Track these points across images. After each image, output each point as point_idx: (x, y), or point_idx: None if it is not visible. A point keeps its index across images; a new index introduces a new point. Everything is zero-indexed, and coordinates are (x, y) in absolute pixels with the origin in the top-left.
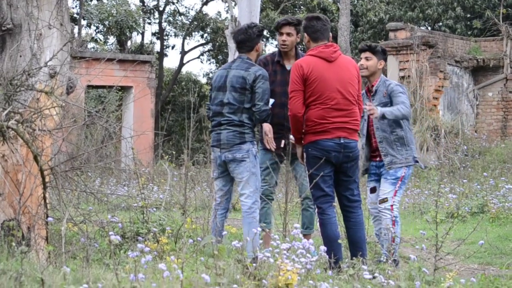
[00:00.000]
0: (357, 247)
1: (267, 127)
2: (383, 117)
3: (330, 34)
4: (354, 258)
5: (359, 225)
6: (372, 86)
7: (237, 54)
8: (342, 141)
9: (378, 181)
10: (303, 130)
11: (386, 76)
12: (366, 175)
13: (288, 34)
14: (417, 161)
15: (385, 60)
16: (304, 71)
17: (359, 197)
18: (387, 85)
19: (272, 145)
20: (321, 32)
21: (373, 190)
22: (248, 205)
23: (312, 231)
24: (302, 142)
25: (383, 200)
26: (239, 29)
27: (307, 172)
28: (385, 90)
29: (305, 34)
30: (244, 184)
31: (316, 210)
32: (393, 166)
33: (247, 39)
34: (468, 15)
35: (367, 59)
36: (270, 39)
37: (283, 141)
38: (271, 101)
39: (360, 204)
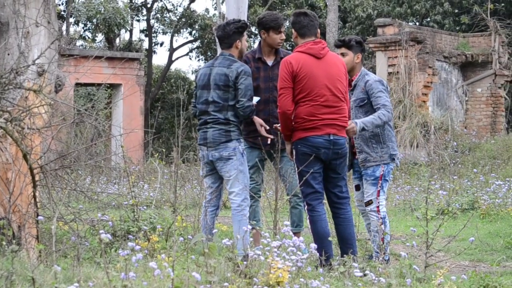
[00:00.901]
0: (347, 243)
1: (259, 120)
2: (363, 129)
3: (318, 31)
4: (344, 255)
5: (349, 221)
6: (352, 80)
7: None
8: (331, 137)
9: (362, 178)
10: (292, 127)
11: (375, 72)
12: (352, 171)
13: (283, 32)
14: (393, 159)
15: (363, 51)
16: (293, 68)
17: (348, 193)
18: (365, 80)
19: (270, 136)
20: (307, 28)
21: (357, 187)
22: (237, 202)
23: (302, 228)
24: (291, 139)
25: (368, 203)
26: (219, 25)
27: (296, 169)
28: (363, 85)
29: (293, 30)
30: (233, 182)
31: (306, 207)
32: (367, 164)
33: (225, 35)
34: (456, 11)
35: (343, 55)
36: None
37: (269, 138)
38: (256, 98)
39: (349, 201)
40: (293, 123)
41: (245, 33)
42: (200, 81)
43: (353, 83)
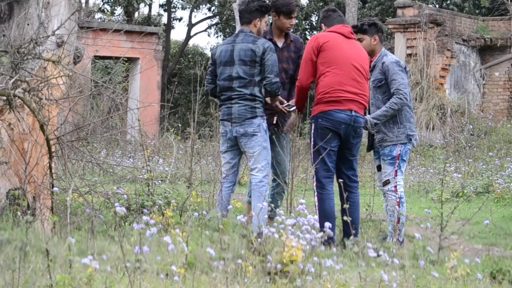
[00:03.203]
0: (351, 226)
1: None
2: (376, 124)
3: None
4: (346, 237)
5: (357, 206)
6: (371, 61)
7: None
8: (353, 113)
9: None
10: (315, 101)
11: (394, 53)
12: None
13: (294, 18)
14: (410, 139)
15: (380, 32)
16: (319, 41)
17: (358, 178)
18: (383, 61)
19: (289, 109)
20: (337, 20)
21: (379, 168)
22: (259, 178)
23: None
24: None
25: (386, 182)
26: (244, 0)
27: (312, 144)
28: (381, 66)
29: (322, 25)
30: (256, 158)
31: (315, 183)
32: (383, 144)
33: (246, 10)
34: None
35: (360, 40)
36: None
37: (275, 118)
38: None
39: (358, 185)
40: (315, 96)
41: (266, 15)
42: (221, 57)
43: (372, 64)
